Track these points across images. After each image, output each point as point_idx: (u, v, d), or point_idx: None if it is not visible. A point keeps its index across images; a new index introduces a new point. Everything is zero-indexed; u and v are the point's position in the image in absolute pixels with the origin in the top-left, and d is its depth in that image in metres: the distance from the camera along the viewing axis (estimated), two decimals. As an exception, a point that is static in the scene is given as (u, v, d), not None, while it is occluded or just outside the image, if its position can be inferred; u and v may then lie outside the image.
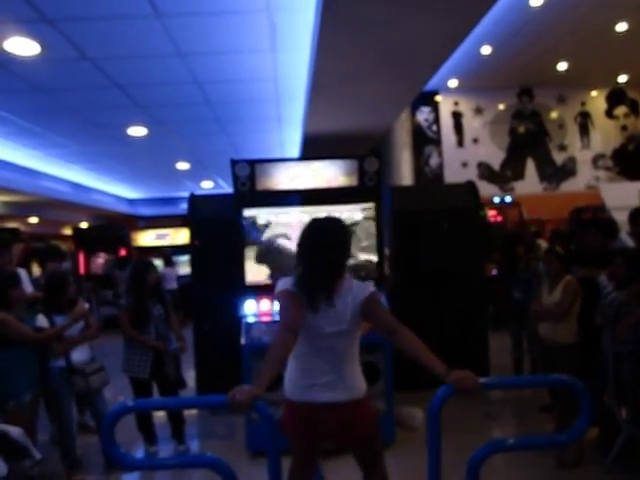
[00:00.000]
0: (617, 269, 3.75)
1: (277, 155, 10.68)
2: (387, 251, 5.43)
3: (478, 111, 11.35)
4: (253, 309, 4.41)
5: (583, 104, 11.57)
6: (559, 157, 11.50)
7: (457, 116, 11.33)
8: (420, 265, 5.66)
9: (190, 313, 5.90)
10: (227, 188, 14.39)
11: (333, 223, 2.46)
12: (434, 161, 11.09)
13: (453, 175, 10.81)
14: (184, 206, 6.44)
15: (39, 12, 4.27)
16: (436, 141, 11.15)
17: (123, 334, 4.24)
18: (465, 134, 11.35)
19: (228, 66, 5.79)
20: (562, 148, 11.50)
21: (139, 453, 4.36)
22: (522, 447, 3.00)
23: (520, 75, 10.40)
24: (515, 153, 11.41)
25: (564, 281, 3.95)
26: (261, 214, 4.51)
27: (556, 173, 11.47)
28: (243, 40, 5.14)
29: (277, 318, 4.14)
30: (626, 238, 4.91)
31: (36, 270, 6.10)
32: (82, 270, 11.75)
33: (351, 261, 3.16)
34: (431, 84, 8.18)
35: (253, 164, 4.52)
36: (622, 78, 11.07)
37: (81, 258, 11.84)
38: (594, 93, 11.56)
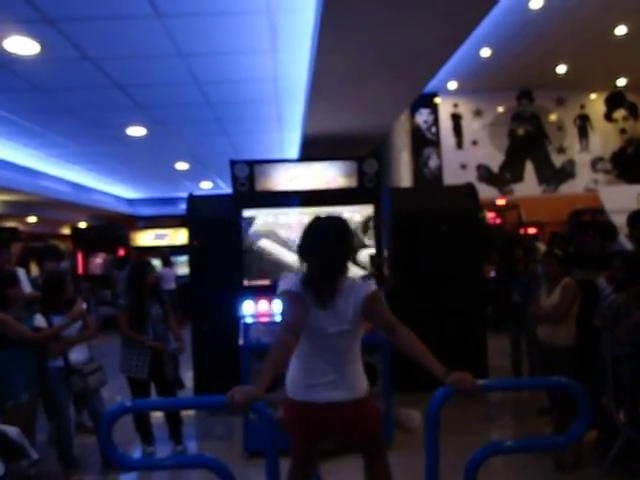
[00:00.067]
0: (616, 272, 3.76)
1: (276, 156, 10.68)
2: (386, 252, 5.43)
3: (477, 113, 11.36)
4: (251, 310, 4.40)
5: (582, 107, 11.58)
6: (558, 160, 11.51)
7: (456, 118, 11.33)
8: (419, 267, 5.67)
9: (188, 313, 5.90)
10: (226, 189, 14.38)
11: (335, 221, 2.46)
12: (433, 163, 11.09)
13: (452, 177, 10.81)
14: (183, 206, 6.44)
15: (39, 12, 4.27)
16: (435, 143, 11.16)
17: (121, 334, 4.24)
18: (464, 136, 11.35)
19: (228, 66, 5.80)
20: (561, 151, 11.51)
21: (137, 453, 4.35)
22: (520, 449, 3.01)
23: (519, 77, 10.41)
24: (514, 155, 11.42)
25: (563, 283, 3.95)
26: (260, 215, 4.51)
27: (555, 175, 11.47)
28: (243, 41, 5.14)
29: (277, 318, 4.20)
30: (625, 241, 4.92)
31: (34, 270, 6.09)
32: (80, 270, 11.74)
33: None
34: (430, 86, 8.18)
35: (252, 165, 4.52)
36: (621, 81, 11.09)
37: (80, 258, 11.83)
38: (593, 96, 11.57)
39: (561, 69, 9.98)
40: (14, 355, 3.67)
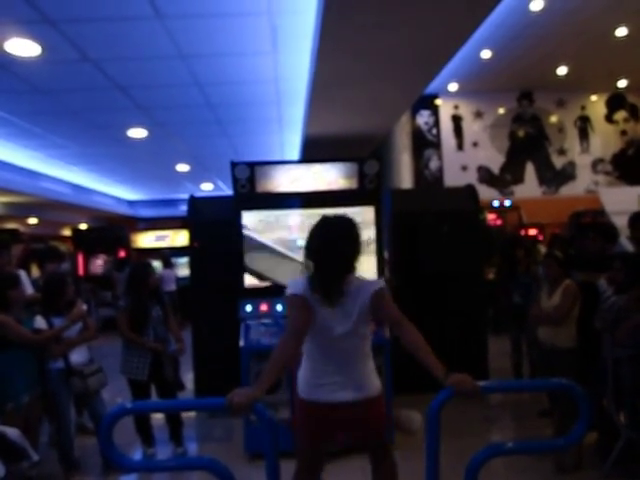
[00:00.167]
0: (616, 273, 3.76)
1: (277, 157, 10.69)
2: (387, 254, 5.43)
3: (478, 115, 11.37)
4: (252, 311, 4.41)
5: (583, 108, 11.59)
6: (558, 161, 11.52)
7: (457, 119, 11.34)
8: (420, 268, 5.67)
9: (189, 315, 5.90)
10: (227, 190, 14.39)
11: (343, 220, 2.45)
12: (434, 164, 11.10)
13: (453, 178, 10.82)
14: (184, 208, 6.44)
15: (40, 13, 4.27)
16: (436, 144, 11.16)
17: (121, 336, 4.24)
18: (465, 137, 11.36)
19: (229, 68, 5.80)
20: (562, 152, 11.52)
21: (137, 455, 4.35)
22: (521, 451, 3.01)
23: (520, 79, 10.42)
24: (515, 157, 11.42)
25: (563, 285, 3.95)
26: (261, 216, 4.52)
27: (555, 177, 11.48)
28: (244, 42, 5.14)
29: (280, 320, 4.20)
30: (625, 242, 4.92)
31: (35, 271, 6.09)
32: (81, 271, 11.75)
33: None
34: (431, 87, 8.17)
35: (253, 166, 4.53)
36: (622, 83, 11.09)
37: (80, 259, 11.83)
38: (594, 97, 11.57)
39: (562, 70, 9.99)
40: (14, 357, 3.67)
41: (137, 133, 8.33)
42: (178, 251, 12.33)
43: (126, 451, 4.19)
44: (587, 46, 8.75)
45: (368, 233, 4.31)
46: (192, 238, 5.69)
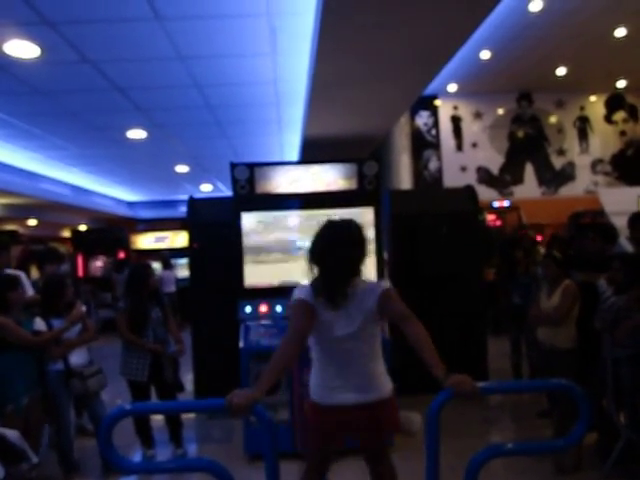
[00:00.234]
0: (616, 273, 3.76)
1: (277, 158, 10.69)
2: (386, 255, 5.42)
3: (477, 115, 11.37)
4: (251, 312, 4.41)
5: (582, 109, 11.59)
6: (558, 162, 11.52)
7: (456, 120, 11.34)
8: (419, 269, 5.67)
9: (188, 316, 5.90)
10: (226, 191, 14.39)
11: (348, 224, 2.44)
12: (433, 165, 11.10)
13: (452, 179, 10.82)
14: (183, 209, 6.44)
15: (39, 15, 4.28)
16: (435, 145, 11.16)
17: (121, 337, 4.23)
18: (464, 138, 11.36)
19: (228, 69, 5.80)
20: (561, 153, 11.52)
21: (137, 456, 4.34)
22: (521, 452, 3.00)
23: (519, 80, 10.42)
24: (514, 157, 11.42)
25: (563, 286, 3.95)
26: (260, 217, 4.52)
27: (555, 178, 11.48)
28: (243, 43, 5.15)
29: (279, 321, 4.20)
30: (625, 243, 4.92)
31: (34, 273, 6.09)
32: (81, 273, 11.75)
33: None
34: (430, 88, 8.18)
35: (252, 167, 4.53)
36: (621, 83, 11.10)
37: (80, 261, 11.83)
38: (593, 98, 11.58)
39: (561, 71, 9.99)
40: (14, 359, 3.67)
41: (136, 134, 8.33)
42: (177, 252, 12.34)
43: (126, 453, 4.18)
44: (586, 47, 8.75)
45: (367, 234, 4.30)
46: (191, 239, 5.69)
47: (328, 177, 4.59)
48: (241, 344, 4.12)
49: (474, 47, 8.00)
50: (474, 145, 11.37)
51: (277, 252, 4.54)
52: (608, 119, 11.67)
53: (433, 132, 11.16)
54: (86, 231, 14.13)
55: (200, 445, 4.80)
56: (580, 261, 4.61)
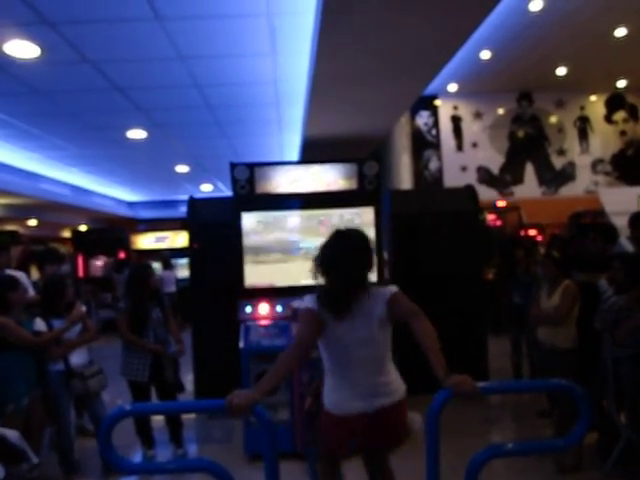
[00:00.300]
0: (616, 273, 3.76)
1: (277, 158, 10.69)
2: (386, 255, 5.42)
3: (477, 115, 11.36)
4: (252, 312, 4.40)
5: (582, 109, 11.58)
6: (558, 162, 11.51)
7: (456, 120, 11.33)
8: (419, 269, 5.66)
9: (189, 316, 5.90)
10: (226, 191, 14.39)
11: (356, 235, 2.45)
12: (433, 165, 11.09)
13: (452, 179, 10.81)
14: (183, 209, 6.44)
15: (39, 15, 4.28)
16: (435, 145, 11.16)
17: (121, 337, 4.23)
18: (464, 138, 11.35)
19: (228, 69, 5.80)
20: (561, 153, 11.51)
21: (137, 457, 4.34)
22: (521, 452, 3.00)
23: (519, 80, 10.41)
24: (514, 157, 11.41)
25: (563, 285, 3.95)
26: (260, 217, 4.52)
27: (555, 178, 11.47)
28: (243, 43, 5.15)
29: (278, 322, 4.20)
30: (625, 243, 4.92)
31: (35, 273, 6.09)
32: (81, 273, 11.74)
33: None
34: (430, 88, 8.18)
35: (252, 167, 4.53)
36: (621, 83, 11.09)
37: (80, 261, 11.82)
38: (593, 98, 11.57)
39: (561, 71, 9.98)
40: (15, 359, 3.67)
41: (136, 134, 8.33)
42: (178, 252, 12.33)
43: (126, 453, 4.19)
44: (586, 47, 8.74)
45: (367, 234, 4.31)
46: (192, 239, 5.69)
47: (328, 177, 4.59)
48: (241, 344, 4.12)
49: (474, 47, 7.99)
50: (474, 145, 11.36)
51: (277, 252, 4.55)
52: (608, 119, 11.66)
53: (433, 132, 11.16)
54: (86, 231, 14.12)
55: (200, 445, 4.80)
56: (581, 261, 4.61)
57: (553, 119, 11.51)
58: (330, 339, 2.36)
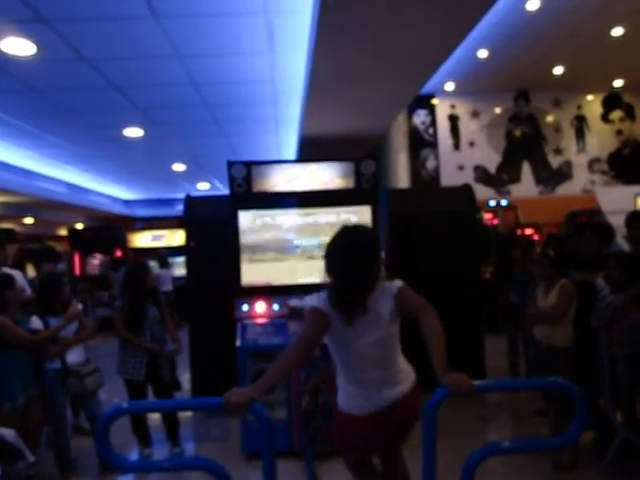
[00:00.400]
0: (612, 271, 3.77)
1: (274, 157, 10.67)
2: (383, 253, 5.42)
3: (474, 114, 11.38)
4: (248, 311, 4.40)
5: (579, 108, 11.61)
6: (555, 161, 11.53)
7: (453, 119, 11.35)
8: (416, 268, 5.66)
9: (185, 315, 5.89)
10: (223, 190, 14.37)
11: (364, 234, 2.44)
12: (430, 164, 11.10)
13: (449, 178, 10.82)
14: (180, 207, 6.43)
15: (35, 12, 4.26)
16: (433, 144, 11.17)
17: (118, 336, 4.22)
18: (461, 137, 11.37)
19: (226, 68, 5.79)
20: (558, 152, 11.53)
21: (133, 456, 4.34)
22: (517, 450, 3.01)
23: (516, 79, 10.43)
24: (511, 156, 11.44)
25: (560, 284, 3.96)
26: (257, 216, 4.51)
27: (552, 177, 11.49)
28: (241, 42, 5.14)
29: (275, 320, 4.19)
30: (622, 242, 4.93)
31: (31, 271, 6.08)
32: (78, 271, 11.72)
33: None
34: (428, 87, 8.18)
35: (249, 166, 4.53)
36: (618, 82, 11.11)
37: (76, 259, 11.80)
38: (590, 97, 11.59)
39: (558, 70, 10.00)
40: (11, 357, 3.67)
41: (133, 132, 8.31)
42: (175, 251, 12.30)
43: (123, 451, 4.18)
44: (583, 46, 8.76)
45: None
46: (188, 238, 5.68)
47: (325, 176, 4.59)
48: (238, 343, 4.12)
49: (471, 46, 8.00)
50: (471, 144, 11.37)
51: (274, 251, 4.54)
52: (605, 118, 11.69)
53: (430, 131, 11.17)
54: (83, 229, 14.09)
55: (197, 444, 4.79)
56: (577, 260, 4.62)
57: (550, 118, 11.54)
58: (341, 339, 2.33)
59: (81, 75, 5.68)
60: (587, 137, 11.61)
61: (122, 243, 12.50)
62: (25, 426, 3.60)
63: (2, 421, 3.34)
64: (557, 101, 11.50)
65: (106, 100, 6.60)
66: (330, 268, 2.36)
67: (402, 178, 11.36)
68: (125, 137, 8.54)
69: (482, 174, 11.36)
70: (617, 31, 8.25)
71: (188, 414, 5.22)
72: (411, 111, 10.91)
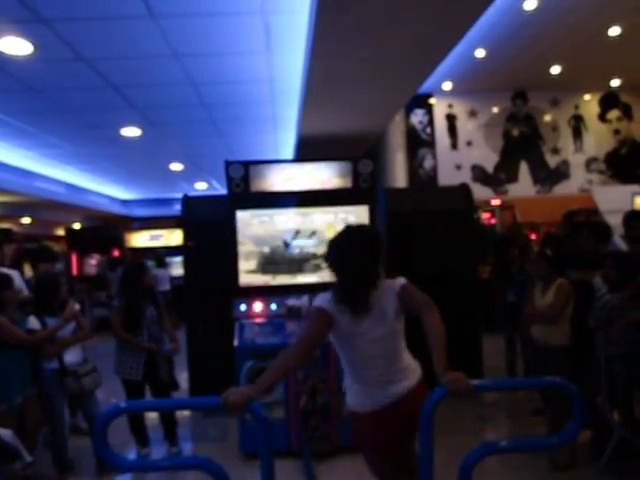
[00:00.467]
0: (610, 271, 3.78)
1: (271, 157, 10.67)
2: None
3: (472, 114, 11.38)
4: (246, 310, 4.40)
5: (576, 107, 11.62)
6: (552, 160, 11.55)
7: (451, 119, 11.35)
8: (414, 267, 5.65)
9: (183, 314, 5.88)
10: (221, 189, 14.37)
11: (367, 232, 2.45)
12: (428, 163, 11.11)
13: (447, 177, 10.83)
14: (178, 207, 6.43)
15: (33, 12, 4.25)
16: (430, 143, 11.17)
17: (115, 336, 4.22)
18: (459, 137, 11.37)
19: (223, 67, 5.79)
20: (555, 151, 11.55)
21: (131, 455, 4.34)
22: (515, 449, 3.01)
23: (514, 78, 10.44)
24: (509, 156, 11.45)
25: (557, 283, 3.97)
26: (255, 215, 4.51)
27: (549, 176, 11.51)
28: (238, 41, 5.13)
29: (273, 320, 4.19)
30: (619, 241, 4.94)
31: (28, 271, 6.07)
32: (75, 271, 11.70)
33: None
34: (425, 86, 8.18)
35: (247, 165, 4.52)
36: (615, 82, 11.13)
37: (74, 259, 11.78)
38: (587, 97, 11.61)
39: (555, 70, 10.01)
40: (8, 357, 3.66)
41: (131, 132, 8.31)
42: (172, 250, 12.29)
43: (120, 451, 4.18)
44: (580, 45, 8.77)
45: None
46: (186, 237, 5.67)
47: (323, 175, 4.59)
48: (236, 342, 4.12)
49: (469, 45, 8.01)
50: (469, 143, 11.38)
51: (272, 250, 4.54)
52: (602, 118, 11.70)
53: (428, 130, 11.17)
54: (80, 229, 14.06)
55: (195, 443, 4.79)
56: (575, 259, 4.63)
57: (547, 118, 11.55)
58: (346, 337, 2.34)
59: (79, 75, 5.67)
60: (584, 136, 11.63)
61: (120, 243, 12.48)
62: (22, 426, 3.60)
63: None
64: (554, 101, 11.51)
65: (104, 100, 6.59)
66: (333, 266, 2.38)
67: (399, 178, 11.37)
68: (123, 137, 8.53)
69: (480, 174, 11.37)
70: (614, 31, 8.26)
71: (186, 414, 5.21)
72: (409, 110, 10.91)
